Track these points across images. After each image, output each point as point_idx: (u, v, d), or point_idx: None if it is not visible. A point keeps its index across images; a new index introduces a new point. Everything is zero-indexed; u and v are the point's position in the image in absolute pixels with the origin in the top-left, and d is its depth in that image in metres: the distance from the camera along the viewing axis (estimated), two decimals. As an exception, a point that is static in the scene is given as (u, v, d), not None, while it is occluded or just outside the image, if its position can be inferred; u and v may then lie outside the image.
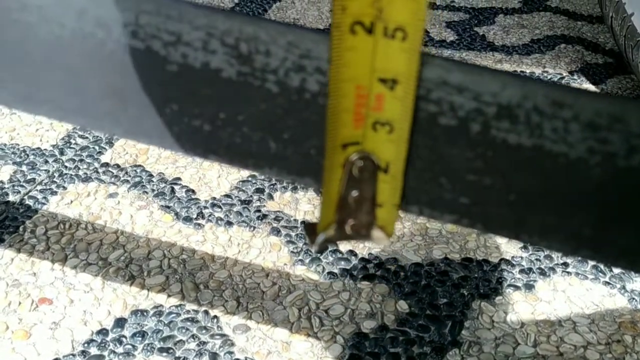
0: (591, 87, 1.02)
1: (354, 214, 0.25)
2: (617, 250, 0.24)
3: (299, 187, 0.72)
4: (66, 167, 0.76)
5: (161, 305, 0.57)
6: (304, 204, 0.71)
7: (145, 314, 0.56)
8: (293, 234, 0.66)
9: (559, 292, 0.61)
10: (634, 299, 0.60)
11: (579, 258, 0.63)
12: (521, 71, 1.06)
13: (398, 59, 0.22)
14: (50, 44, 0.27)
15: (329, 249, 0.64)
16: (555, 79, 1.04)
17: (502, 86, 0.22)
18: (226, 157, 0.27)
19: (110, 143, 0.81)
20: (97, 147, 0.80)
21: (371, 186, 0.25)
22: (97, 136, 0.82)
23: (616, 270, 0.63)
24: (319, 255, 0.63)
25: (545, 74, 1.05)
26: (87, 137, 0.82)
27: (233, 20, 0.24)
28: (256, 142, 0.26)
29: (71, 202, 0.70)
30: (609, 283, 0.62)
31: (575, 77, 1.05)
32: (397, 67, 0.22)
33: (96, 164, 0.77)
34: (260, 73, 0.24)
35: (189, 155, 0.28)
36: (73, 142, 0.81)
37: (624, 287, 0.61)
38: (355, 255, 0.64)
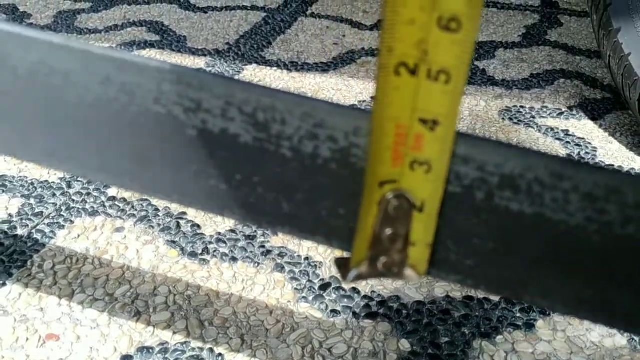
0: (590, 123, 1.03)
1: (386, 251, 0.26)
2: (615, 312, 0.25)
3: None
4: (73, 200, 0.77)
5: (167, 343, 0.58)
6: (308, 241, 0.72)
7: (151, 351, 0.57)
8: (297, 270, 0.67)
9: (559, 331, 0.62)
10: (633, 339, 0.61)
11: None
12: (521, 106, 1.08)
13: (440, 101, 0.23)
14: (75, 107, 0.28)
15: (332, 286, 0.65)
16: (555, 115, 1.06)
17: (505, 158, 0.24)
18: (240, 215, 0.28)
19: (117, 177, 0.82)
20: (104, 181, 0.81)
21: (405, 225, 0.25)
22: (104, 169, 0.83)
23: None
24: (322, 292, 0.64)
25: (545, 109, 1.07)
26: (94, 171, 0.83)
27: (251, 92, 0.25)
28: (270, 203, 0.27)
29: (78, 236, 0.71)
30: (608, 323, 0.63)
31: (574, 112, 1.07)
32: (438, 109, 0.23)
33: (103, 198, 0.78)
34: (275, 139, 0.26)
35: (205, 212, 0.30)
36: (80, 175, 0.82)
37: (623, 327, 0.62)
38: (358, 292, 0.65)
